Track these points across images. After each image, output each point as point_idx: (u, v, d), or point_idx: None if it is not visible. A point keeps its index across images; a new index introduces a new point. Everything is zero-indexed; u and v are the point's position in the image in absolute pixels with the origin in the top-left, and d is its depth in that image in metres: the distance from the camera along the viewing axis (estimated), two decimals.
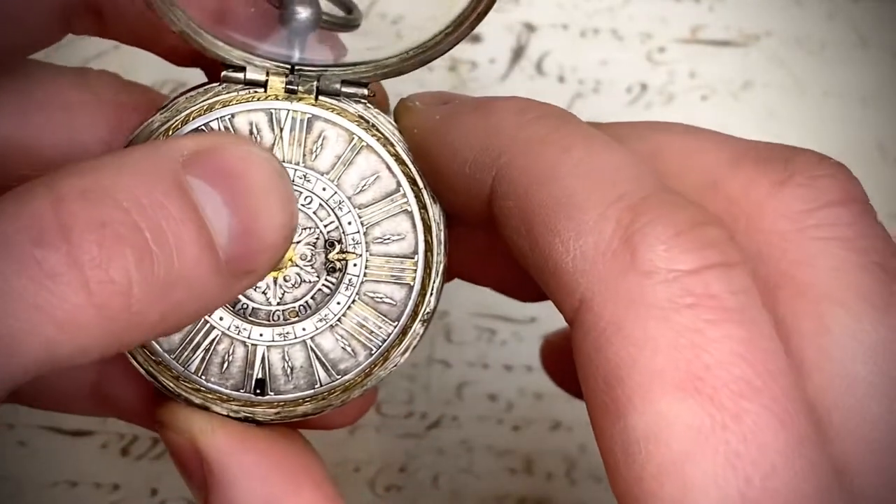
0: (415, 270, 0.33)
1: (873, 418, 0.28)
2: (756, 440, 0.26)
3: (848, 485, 0.27)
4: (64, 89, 0.35)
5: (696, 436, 0.26)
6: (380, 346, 0.33)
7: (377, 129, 0.33)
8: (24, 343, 0.26)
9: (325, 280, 0.33)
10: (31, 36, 0.34)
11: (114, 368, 0.36)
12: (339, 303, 0.33)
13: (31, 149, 0.34)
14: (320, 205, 0.33)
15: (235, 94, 0.33)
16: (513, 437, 0.52)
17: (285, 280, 0.33)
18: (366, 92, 0.34)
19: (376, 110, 0.34)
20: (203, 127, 0.33)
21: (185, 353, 0.33)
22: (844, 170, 0.30)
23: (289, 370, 0.33)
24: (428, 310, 0.33)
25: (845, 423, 0.28)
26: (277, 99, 0.33)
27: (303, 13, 0.33)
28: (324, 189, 0.33)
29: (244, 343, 0.33)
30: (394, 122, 0.34)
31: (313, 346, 0.33)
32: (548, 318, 0.51)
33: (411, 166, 0.33)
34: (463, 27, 0.32)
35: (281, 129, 0.33)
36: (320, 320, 0.33)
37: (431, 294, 0.33)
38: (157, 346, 0.33)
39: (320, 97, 0.33)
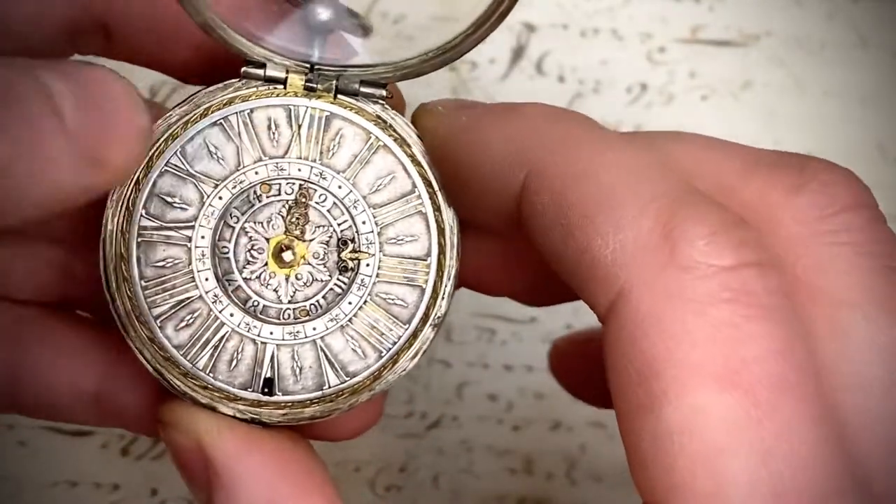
0: (427, 273, 0.33)
1: (889, 419, 0.28)
2: (789, 437, 0.26)
3: (866, 485, 0.28)
4: None
5: (732, 429, 0.26)
6: (390, 349, 0.33)
7: (394, 130, 0.33)
8: None
9: (337, 279, 0.33)
10: (35, 55, 0.34)
11: (115, 376, 0.36)
12: (350, 303, 0.33)
13: None
14: (334, 203, 0.33)
15: (255, 89, 0.33)
16: (513, 437, 0.52)
17: (297, 278, 0.33)
18: (384, 93, 0.34)
19: (394, 112, 0.34)
20: (222, 120, 0.33)
21: (194, 350, 0.33)
22: (854, 176, 0.31)
23: (297, 370, 0.33)
24: (439, 314, 0.33)
25: (861, 425, 0.28)
26: (296, 95, 0.33)
27: (323, 14, 0.33)
28: (339, 187, 0.33)
29: (254, 341, 0.33)
30: (410, 125, 0.34)
31: (323, 346, 0.33)
32: (548, 318, 0.51)
33: (427, 168, 0.33)
34: (484, 28, 0.32)
35: (299, 126, 0.33)
36: (331, 320, 0.33)
37: (443, 298, 0.33)
38: (166, 342, 0.33)
39: (339, 96, 0.33)
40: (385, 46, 0.35)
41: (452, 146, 0.33)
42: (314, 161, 0.33)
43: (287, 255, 0.33)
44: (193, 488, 0.33)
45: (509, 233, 0.32)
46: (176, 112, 0.33)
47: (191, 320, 0.33)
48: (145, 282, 0.33)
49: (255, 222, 0.34)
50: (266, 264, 0.34)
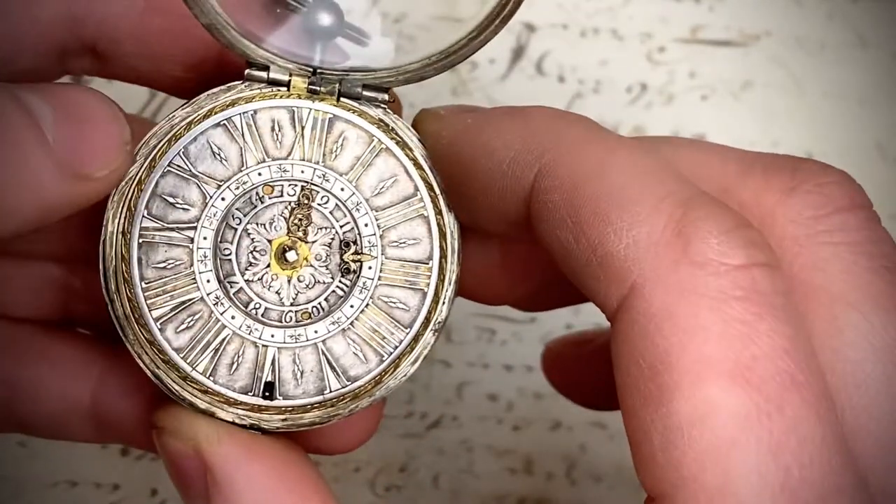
0: (429, 276, 0.33)
1: (886, 417, 0.29)
2: (797, 432, 0.27)
3: (863, 482, 0.28)
4: None
5: (742, 423, 0.27)
6: (391, 353, 0.33)
7: (397, 133, 0.34)
8: None
9: (340, 282, 0.33)
10: (24, 76, 0.34)
11: (110, 388, 0.36)
12: (352, 306, 0.33)
13: None
14: (337, 205, 0.33)
15: (258, 91, 0.33)
16: (513, 437, 0.52)
17: (299, 280, 0.33)
18: (386, 97, 0.34)
19: (395, 116, 0.34)
20: (225, 121, 0.33)
21: (195, 353, 0.33)
22: (849, 177, 0.31)
23: (299, 374, 0.33)
24: (440, 319, 0.33)
25: (858, 422, 0.29)
26: (300, 98, 0.33)
27: (325, 19, 0.33)
28: (342, 189, 0.33)
29: (255, 344, 0.33)
30: (412, 129, 0.34)
31: (324, 349, 0.33)
32: (548, 318, 0.51)
33: (429, 172, 0.33)
34: (487, 31, 0.32)
35: (303, 128, 0.33)
36: (333, 323, 0.33)
37: (444, 303, 0.33)
38: (166, 345, 0.33)
39: (341, 99, 0.34)
40: (387, 50, 0.35)
41: (458, 148, 0.33)
42: (317, 163, 0.33)
43: (291, 255, 0.33)
44: (188, 495, 0.32)
45: (515, 234, 0.32)
46: (179, 113, 0.33)
47: (191, 323, 0.33)
48: (146, 283, 0.33)
49: (257, 224, 0.34)
50: (268, 266, 0.33)
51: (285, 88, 0.33)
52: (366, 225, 0.33)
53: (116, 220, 0.33)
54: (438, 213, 0.33)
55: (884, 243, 0.30)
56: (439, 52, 0.33)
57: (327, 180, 0.33)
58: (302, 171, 0.33)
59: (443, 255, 0.33)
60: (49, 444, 0.49)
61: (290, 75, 0.33)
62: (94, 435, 0.37)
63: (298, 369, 0.33)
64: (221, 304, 0.33)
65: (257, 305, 0.33)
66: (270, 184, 0.33)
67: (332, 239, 0.33)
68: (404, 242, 0.33)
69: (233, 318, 0.33)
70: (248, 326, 0.33)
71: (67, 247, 0.37)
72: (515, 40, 0.54)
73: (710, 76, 0.55)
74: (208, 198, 0.33)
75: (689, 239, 0.28)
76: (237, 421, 0.33)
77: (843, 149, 0.54)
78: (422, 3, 0.46)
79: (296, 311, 0.33)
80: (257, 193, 0.33)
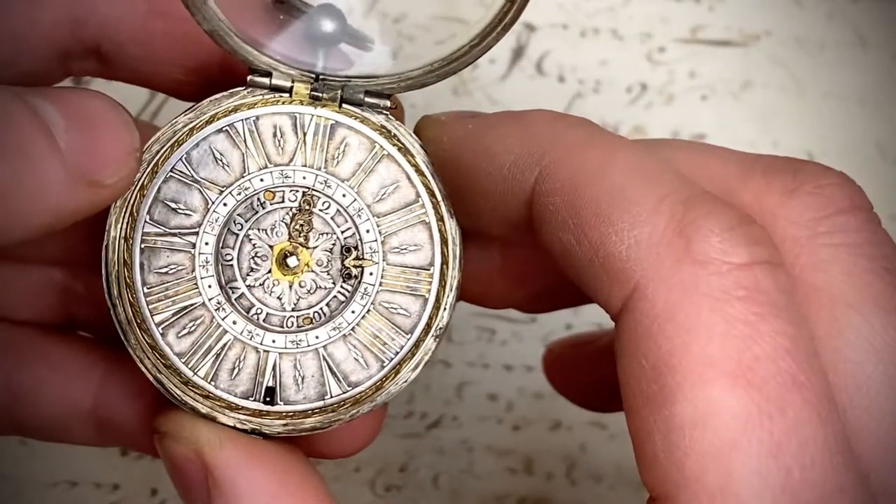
0: (430, 282, 0.33)
1: (886, 417, 0.29)
2: (798, 433, 0.27)
3: (864, 482, 0.28)
4: None
5: (744, 425, 0.27)
6: (392, 359, 0.33)
7: (398, 140, 0.34)
8: None
9: (341, 287, 0.33)
10: (27, 79, 0.34)
11: (111, 391, 0.36)
12: (353, 311, 0.33)
13: None
14: (338, 211, 0.33)
15: (260, 97, 0.34)
16: (513, 437, 0.52)
17: (300, 286, 0.33)
18: (388, 103, 0.34)
19: (397, 122, 0.34)
20: (227, 127, 0.33)
21: (196, 358, 0.33)
22: (848, 179, 0.31)
23: (300, 379, 0.33)
24: (441, 325, 0.33)
25: (859, 423, 0.29)
26: (301, 104, 0.33)
27: (328, 26, 0.33)
28: (344, 195, 0.33)
29: (256, 349, 0.33)
30: (414, 135, 0.34)
31: (325, 354, 0.33)
32: (548, 318, 0.51)
33: (431, 178, 0.33)
34: (489, 38, 0.32)
35: (304, 134, 0.33)
36: (334, 329, 0.33)
37: (445, 309, 0.33)
38: (168, 350, 0.33)
39: (343, 106, 0.34)
40: (390, 57, 0.35)
41: (459, 153, 0.33)
42: (319, 169, 0.33)
43: (292, 261, 0.33)
44: (190, 499, 0.33)
45: (517, 238, 0.32)
46: (181, 119, 0.33)
47: (193, 328, 0.33)
48: (148, 288, 0.33)
49: (258, 229, 0.34)
50: (269, 272, 0.33)
51: (287, 94, 0.34)
52: (367, 231, 0.33)
53: (119, 226, 0.33)
54: (440, 219, 0.33)
55: (884, 245, 0.30)
56: (441, 59, 0.33)
57: (329, 186, 0.33)
58: (304, 177, 0.33)
59: (444, 262, 0.33)
60: (49, 443, 0.49)
61: (293, 81, 0.33)
62: (95, 438, 0.37)
63: (299, 374, 0.33)
64: (223, 309, 0.33)
65: (259, 311, 0.33)
66: (272, 190, 0.33)
67: (334, 244, 0.33)
68: (406, 248, 0.33)
69: (234, 323, 0.33)
70: (250, 332, 0.33)
71: (70, 251, 0.37)
72: (515, 40, 0.54)
73: (710, 76, 0.55)
74: (210, 203, 0.33)
75: (691, 238, 0.28)
76: (238, 426, 0.33)
77: (843, 149, 0.54)
78: (422, 3, 0.46)
79: (297, 317, 0.33)
80: (259, 199, 0.33)
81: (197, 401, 0.32)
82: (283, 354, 0.33)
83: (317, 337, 0.33)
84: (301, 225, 0.33)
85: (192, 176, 0.33)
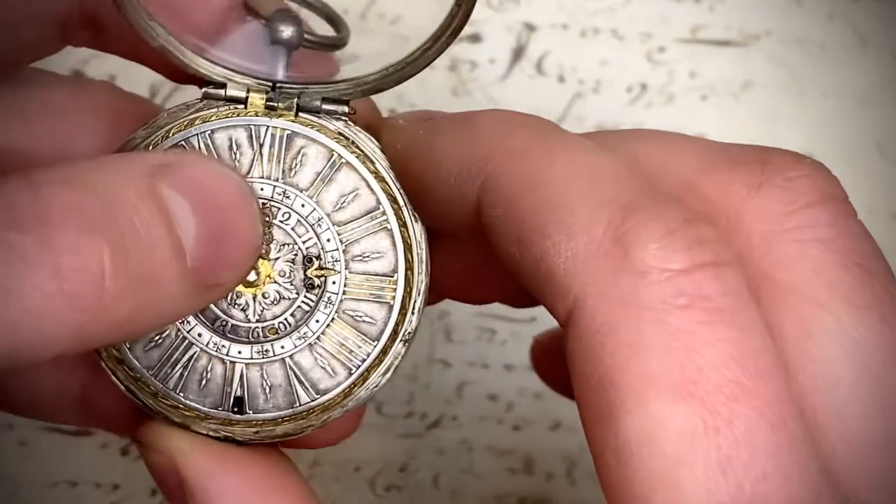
0: (395, 289, 0.33)
1: (857, 418, 0.28)
2: (747, 444, 0.26)
3: (835, 486, 0.27)
4: (60, 96, 0.35)
5: (689, 440, 0.26)
6: (359, 366, 0.33)
7: (357, 147, 0.33)
8: None
9: (305, 297, 0.33)
10: (27, 47, 0.34)
11: (99, 377, 0.36)
12: (318, 321, 0.33)
13: (26, 153, 0.34)
14: (298, 221, 0.33)
15: (216, 110, 0.33)
16: (513, 437, 0.52)
17: (264, 297, 0.33)
18: (346, 109, 0.33)
19: (357, 128, 0.33)
20: (183, 143, 0.33)
21: (164, 370, 0.33)
22: (821, 168, 0.30)
23: (267, 388, 0.33)
24: (409, 329, 0.33)
25: (830, 424, 0.28)
26: (257, 115, 0.33)
27: (285, 32, 0.33)
28: (303, 206, 0.33)
29: (223, 360, 0.33)
30: (375, 140, 0.33)
31: (292, 364, 0.33)
32: (548, 317, 0.51)
33: (392, 184, 0.33)
34: (441, 41, 0.32)
35: (261, 145, 0.33)
36: (299, 338, 0.33)
37: (413, 313, 0.33)
38: (136, 363, 0.33)
39: (301, 114, 0.33)
40: (347, 61, 0.35)
41: (409, 160, 0.32)
42: (277, 180, 0.33)
43: (251, 274, 0.33)
44: None
45: (477, 243, 0.31)
46: (139, 134, 0.33)
47: (159, 341, 0.33)
48: None
49: None
50: None
51: (243, 105, 0.33)
52: (328, 240, 0.33)
53: None
54: (402, 225, 0.33)
55: (857, 238, 0.29)
56: (395, 64, 0.33)
57: (288, 197, 0.33)
58: (262, 189, 0.33)
59: (409, 267, 0.33)
60: (49, 444, 0.50)
61: (248, 91, 0.33)
62: (81, 420, 0.37)
63: (267, 384, 0.33)
64: (188, 321, 0.33)
65: (224, 322, 0.33)
66: None
67: (296, 255, 0.33)
68: (368, 256, 0.33)
69: (199, 335, 0.33)
70: (216, 343, 0.33)
71: None
72: (515, 40, 0.54)
73: (710, 76, 0.55)
74: None
75: (628, 246, 0.27)
76: (211, 433, 0.33)
77: (843, 149, 0.54)
78: (418, 4, 0.46)
79: (262, 328, 0.33)
80: None
81: (169, 411, 0.33)
82: (250, 365, 0.33)
83: (282, 347, 0.33)
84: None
85: None
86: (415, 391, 0.52)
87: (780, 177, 0.29)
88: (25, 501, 0.49)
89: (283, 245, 0.33)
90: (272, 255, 0.33)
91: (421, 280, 0.33)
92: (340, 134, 0.33)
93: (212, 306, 0.33)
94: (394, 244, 0.33)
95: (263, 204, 0.33)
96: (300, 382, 0.33)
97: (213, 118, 0.33)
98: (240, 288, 0.33)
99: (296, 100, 0.33)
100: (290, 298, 0.33)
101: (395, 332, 0.33)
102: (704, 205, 0.30)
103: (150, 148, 0.33)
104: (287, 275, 0.33)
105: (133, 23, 0.32)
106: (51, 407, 0.37)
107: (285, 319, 0.33)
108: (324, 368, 0.33)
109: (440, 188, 0.31)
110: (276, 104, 0.33)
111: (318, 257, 0.33)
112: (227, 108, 0.33)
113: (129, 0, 0.32)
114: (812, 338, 0.28)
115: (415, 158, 0.32)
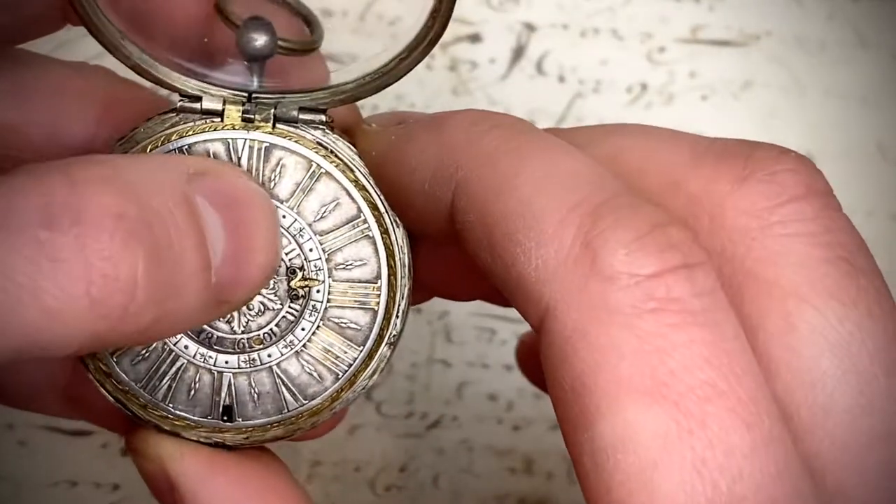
0: (378, 295, 0.33)
1: (842, 414, 0.28)
2: (722, 445, 0.25)
3: (821, 483, 0.27)
4: (56, 78, 0.35)
5: (663, 443, 0.25)
6: (346, 371, 0.33)
7: (336, 156, 0.33)
8: (3, 324, 0.25)
9: (289, 307, 0.33)
10: (27, 23, 0.34)
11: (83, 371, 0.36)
12: (303, 329, 0.33)
13: (19, 130, 0.34)
14: (280, 233, 0.33)
15: (192, 124, 0.33)
16: (513, 437, 0.52)
17: (248, 308, 0.33)
18: (324, 118, 0.33)
19: (335, 136, 0.33)
20: None
21: (152, 382, 0.33)
22: (806, 162, 0.30)
23: (256, 396, 0.33)
24: (394, 333, 0.33)
25: (814, 421, 0.28)
26: (234, 128, 0.33)
27: (258, 40, 0.33)
28: (284, 217, 0.33)
29: (210, 370, 0.33)
30: (353, 147, 0.33)
31: (279, 371, 0.33)
32: None
33: (372, 191, 0.33)
34: (416, 52, 0.32)
35: (238, 159, 0.33)
36: (286, 346, 0.33)
37: (397, 317, 0.33)
38: (124, 376, 0.33)
39: (278, 125, 0.33)
40: (323, 70, 0.34)
41: (383, 166, 0.32)
42: None
43: None
44: None
45: (455, 246, 0.31)
46: (118, 147, 0.33)
47: (146, 354, 0.33)
48: None
49: None
50: None
51: (219, 119, 0.33)
52: (311, 250, 0.33)
53: None
54: (384, 231, 0.33)
55: (841, 232, 0.29)
56: (372, 72, 0.32)
57: None
58: None
59: (391, 273, 0.33)
60: (49, 443, 0.50)
61: (224, 103, 0.33)
62: (68, 412, 0.37)
63: (255, 392, 0.33)
64: None
65: (209, 334, 0.33)
66: None
67: (279, 266, 0.33)
68: (351, 264, 0.33)
69: (186, 347, 0.33)
70: (202, 354, 0.33)
71: None
72: (515, 40, 0.54)
73: (710, 76, 0.54)
74: None
75: (597, 252, 0.27)
76: (202, 440, 0.33)
77: (843, 149, 0.54)
78: (417, 5, 0.46)
79: (248, 339, 0.33)
80: None
81: (158, 420, 0.33)
82: (238, 374, 0.33)
83: (269, 355, 0.33)
84: None
85: None
86: (415, 391, 0.52)
87: (764, 171, 0.29)
88: (25, 501, 0.49)
89: None
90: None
91: (404, 284, 0.33)
92: (319, 143, 0.33)
93: None
94: (376, 251, 0.33)
95: None
96: (288, 389, 0.33)
97: (190, 133, 0.33)
98: None
99: (272, 110, 0.33)
100: (274, 309, 0.33)
101: (380, 337, 0.33)
102: (688, 201, 0.29)
103: None
104: (271, 286, 0.33)
105: (106, 44, 0.32)
106: (39, 398, 0.37)
107: (270, 330, 0.33)
108: (311, 374, 0.33)
109: (414, 195, 0.31)
110: (252, 116, 0.33)
111: (302, 268, 0.33)
112: (203, 121, 0.33)
113: (101, 21, 0.32)
114: (796, 333, 0.28)
115: (388, 165, 0.32)
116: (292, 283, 0.33)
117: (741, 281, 0.29)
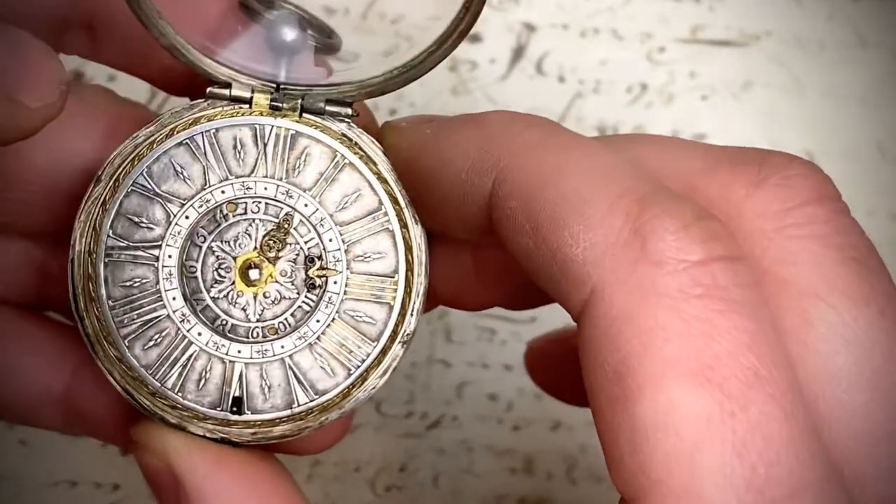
0: (395, 290, 0.33)
1: (858, 409, 0.29)
2: (762, 430, 0.26)
3: (838, 475, 0.28)
4: None
5: (706, 424, 0.26)
6: (359, 367, 0.33)
7: (360, 148, 0.33)
8: None
9: (306, 297, 0.33)
10: None
11: (82, 380, 0.36)
12: (318, 321, 0.33)
13: (22, 153, 0.34)
14: (301, 221, 0.33)
15: (220, 109, 0.33)
16: (513, 437, 0.52)
17: (265, 296, 0.33)
18: (350, 111, 0.34)
19: (360, 129, 0.34)
20: (188, 140, 0.33)
21: (163, 369, 0.33)
22: (816, 169, 0.31)
23: (266, 388, 0.33)
24: (408, 331, 0.33)
25: (832, 416, 0.29)
26: (262, 115, 0.33)
27: (290, 34, 0.33)
28: (306, 205, 0.33)
29: (222, 360, 0.33)
30: (377, 142, 0.34)
31: (291, 364, 0.33)
32: (548, 317, 0.51)
33: (394, 185, 0.33)
34: (446, 45, 0.32)
35: (265, 145, 0.33)
36: (299, 338, 0.33)
37: (412, 315, 0.33)
38: (134, 361, 0.33)
39: (304, 115, 0.33)
40: (351, 64, 0.35)
41: (417, 160, 0.33)
42: (280, 179, 0.33)
43: (253, 274, 0.33)
44: None
45: (481, 241, 0.32)
46: (142, 132, 0.33)
47: (159, 339, 0.33)
48: (113, 301, 0.33)
49: (222, 241, 0.34)
50: (234, 283, 0.34)
51: (247, 105, 0.33)
52: (330, 240, 0.33)
53: (83, 240, 0.33)
54: (404, 226, 0.33)
55: (852, 234, 0.30)
56: (401, 66, 0.33)
57: (291, 196, 0.33)
58: (265, 188, 0.33)
59: (409, 269, 0.33)
60: (49, 443, 0.50)
61: (253, 92, 0.33)
62: (62, 425, 0.37)
63: (266, 384, 0.33)
64: (188, 320, 0.33)
65: (224, 322, 0.33)
66: (234, 201, 0.33)
67: (297, 255, 0.33)
68: (369, 257, 0.33)
69: (199, 334, 0.33)
70: (215, 343, 0.33)
71: (50, 224, 0.37)
72: (515, 40, 0.54)
73: (710, 76, 0.54)
74: (172, 217, 0.33)
75: (646, 237, 0.28)
76: (208, 435, 0.33)
77: (843, 149, 0.54)
78: (419, 4, 0.46)
79: (262, 327, 0.33)
80: (221, 211, 0.34)
81: (165, 411, 0.33)
82: (249, 364, 0.33)
83: (282, 346, 0.33)
84: (275, 241, 0.33)
85: (154, 190, 0.33)
86: (415, 391, 0.52)
87: (777, 175, 0.30)
88: (25, 501, 0.49)
89: (286, 245, 0.33)
90: (275, 254, 0.33)
91: (420, 282, 0.33)
92: (344, 135, 0.33)
93: (212, 305, 0.33)
94: (395, 245, 0.33)
95: (286, 211, 0.33)
96: (299, 382, 0.33)
97: (218, 116, 0.33)
98: (241, 287, 0.33)
99: (300, 101, 0.33)
100: (290, 298, 0.33)
101: (394, 333, 0.33)
102: (706, 204, 0.30)
103: (154, 146, 0.33)
104: (289, 274, 0.33)
105: (143, 20, 0.32)
106: (33, 409, 0.37)
107: (285, 319, 0.33)
108: (323, 368, 0.33)
109: (449, 184, 0.32)
110: (280, 105, 0.33)
111: (320, 257, 0.33)
112: (231, 107, 0.33)
113: None
114: (814, 330, 0.29)
115: (423, 157, 0.33)
116: (310, 273, 0.33)
117: (760, 280, 0.29)
